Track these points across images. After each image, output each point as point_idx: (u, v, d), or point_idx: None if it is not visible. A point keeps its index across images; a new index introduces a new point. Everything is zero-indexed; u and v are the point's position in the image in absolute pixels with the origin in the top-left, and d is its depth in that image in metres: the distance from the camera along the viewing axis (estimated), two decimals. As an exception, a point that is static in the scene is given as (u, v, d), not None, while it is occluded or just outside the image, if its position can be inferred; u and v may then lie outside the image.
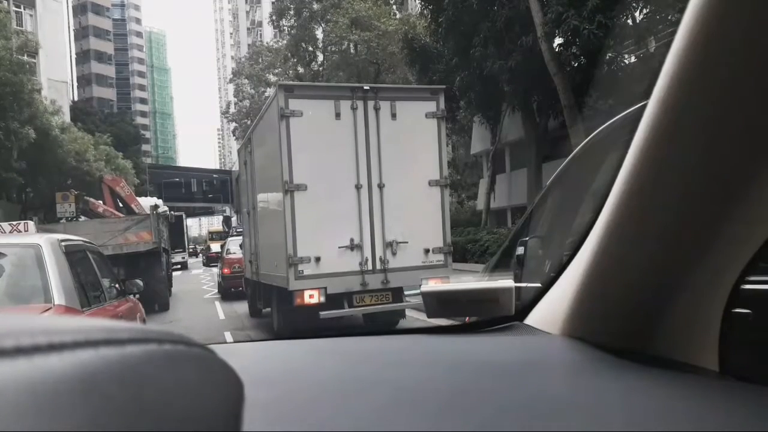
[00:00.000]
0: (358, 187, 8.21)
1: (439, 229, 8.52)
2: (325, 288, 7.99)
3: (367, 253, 8.22)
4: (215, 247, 38.24)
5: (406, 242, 8.32)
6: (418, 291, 8.45)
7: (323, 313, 7.99)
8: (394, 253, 8.30)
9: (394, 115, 8.39)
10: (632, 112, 1.71)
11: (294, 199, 7.92)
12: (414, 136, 8.47)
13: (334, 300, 8.09)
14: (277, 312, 9.30)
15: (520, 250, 3.01)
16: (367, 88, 8.56)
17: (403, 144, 8.40)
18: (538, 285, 1.07)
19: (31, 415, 0.23)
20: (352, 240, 8.15)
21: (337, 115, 8.18)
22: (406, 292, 8.70)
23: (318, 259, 7.97)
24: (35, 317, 0.31)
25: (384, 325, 9.02)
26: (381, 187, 8.28)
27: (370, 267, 8.23)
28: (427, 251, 8.42)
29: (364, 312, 8.57)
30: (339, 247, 8.08)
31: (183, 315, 14.17)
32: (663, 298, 0.75)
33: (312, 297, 7.97)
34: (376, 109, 8.34)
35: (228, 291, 16.91)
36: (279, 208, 8.30)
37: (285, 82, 8.91)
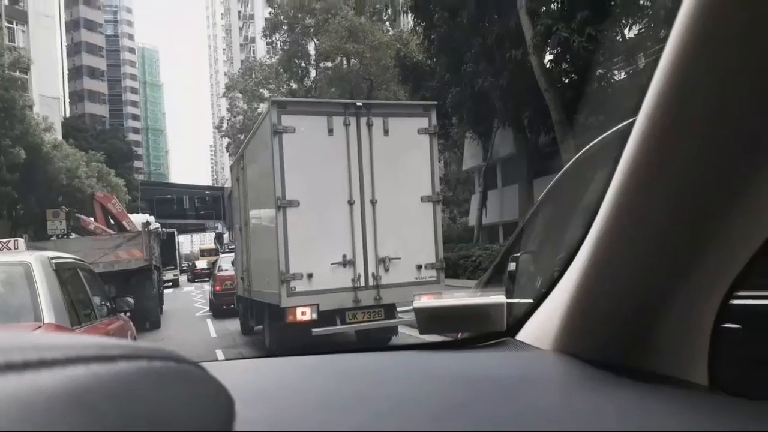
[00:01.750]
0: (350, 203, 8.19)
1: (431, 245, 8.49)
2: (318, 305, 7.94)
3: (360, 269, 8.18)
4: (200, 264, 40.89)
5: (399, 258, 8.29)
6: (410, 307, 8.49)
7: (316, 330, 7.93)
8: (386, 270, 8.26)
9: (386, 131, 8.39)
10: (622, 128, 1.72)
11: (286, 215, 7.88)
12: (406, 152, 8.48)
13: (326, 317, 8.03)
14: (269, 329, 9.24)
15: (511, 266, 3.01)
16: (360, 104, 8.60)
17: (396, 160, 8.40)
18: (530, 301, 1.08)
19: (23, 430, 0.23)
20: (344, 256, 8.11)
21: (330, 131, 8.17)
22: (399, 309, 8.63)
23: (310, 276, 7.91)
24: (27, 334, 0.31)
25: (377, 341, 8.94)
26: (374, 203, 8.26)
27: (362, 283, 8.18)
28: (419, 267, 8.39)
29: (357, 329, 8.50)
30: (331, 264, 8.04)
31: (174, 333, 14.07)
32: (653, 314, 0.75)
33: (304, 314, 7.91)
34: (369, 125, 8.34)
35: (220, 308, 16.67)
36: (271, 224, 8.28)
37: (278, 98, 8.86)
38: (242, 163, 10.97)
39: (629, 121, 0.70)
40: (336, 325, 8.15)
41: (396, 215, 8.30)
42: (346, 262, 8.11)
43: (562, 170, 2.68)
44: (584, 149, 2.41)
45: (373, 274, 8.23)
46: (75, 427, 0.25)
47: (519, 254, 3.03)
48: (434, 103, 9.27)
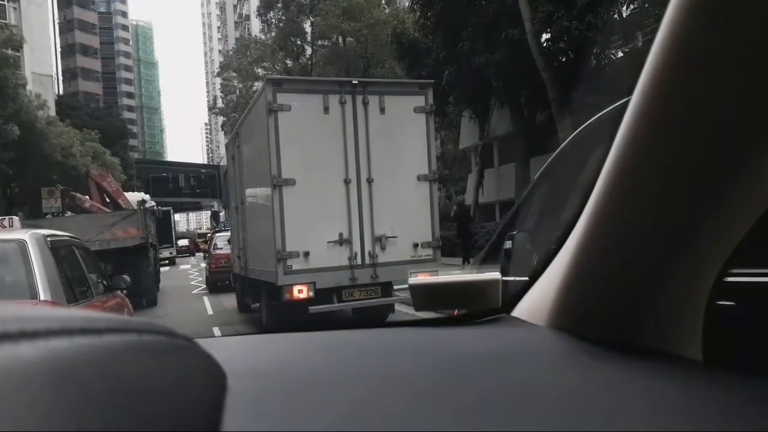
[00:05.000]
0: (347, 181, 8.21)
1: (428, 224, 8.56)
2: (314, 283, 8.01)
3: (356, 247, 8.24)
4: (181, 242, 48.15)
5: (395, 237, 8.35)
6: (407, 285, 8.67)
7: (312, 308, 8.02)
8: (383, 248, 8.33)
9: (382, 110, 8.38)
10: (618, 107, 1.71)
11: (282, 193, 7.93)
12: (403, 131, 8.48)
13: (323, 294, 8.10)
14: (265, 307, 9.30)
15: (507, 244, 3.02)
16: (356, 82, 8.62)
17: (392, 138, 8.41)
18: (525, 278, 1.08)
19: None
20: (341, 235, 8.17)
21: (326, 110, 8.16)
22: (395, 287, 8.69)
23: (307, 254, 7.98)
24: (9, 306, 0.30)
25: (373, 319, 8.96)
26: (370, 181, 8.30)
27: (359, 261, 8.24)
28: (416, 246, 8.45)
29: (354, 306, 8.58)
30: (328, 242, 8.10)
31: (171, 310, 14.12)
32: (647, 290, 0.76)
33: (301, 292, 7.99)
34: (365, 104, 8.33)
35: (215, 284, 17.54)
36: (267, 202, 8.30)
37: (273, 76, 8.85)
38: (237, 142, 10.94)
39: (625, 99, 0.69)
40: (333, 303, 8.23)
41: (392, 194, 8.35)
42: (342, 241, 8.18)
43: (558, 149, 2.68)
44: (580, 128, 2.41)
45: (369, 253, 8.29)
46: (56, 398, 0.24)
47: (515, 232, 3.04)
48: (431, 82, 9.23)
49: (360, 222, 8.27)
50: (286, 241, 7.92)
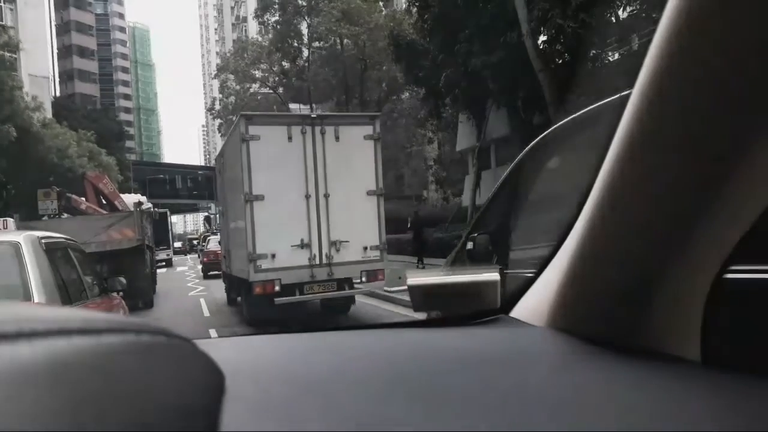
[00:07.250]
0: (307, 196, 9.78)
1: (375, 230, 10.16)
2: (280, 279, 9.59)
3: (315, 250, 9.84)
4: (177, 244, 52.30)
5: (348, 241, 9.91)
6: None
7: (278, 300, 9.56)
8: (337, 250, 9.94)
9: (337, 138, 9.99)
10: (599, 106, 1.72)
11: (253, 207, 9.51)
12: (354, 155, 10.06)
13: (287, 289, 9.69)
14: (244, 300, 10.94)
15: (469, 245, 3.09)
16: (314, 116, 10.35)
17: (345, 161, 9.98)
18: (523, 278, 1.08)
19: None
20: (302, 240, 9.73)
21: (290, 138, 9.78)
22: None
23: (274, 256, 9.57)
24: (8, 306, 0.30)
25: (338, 309, 10.97)
26: (326, 196, 9.87)
27: (317, 262, 9.85)
28: (365, 248, 10.07)
29: (313, 299, 10.25)
30: (291, 246, 9.67)
31: (167, 312, 14.08)
32: (646, 290, 0.75)
33: (269, 287, 9.58)
34: (322, 133, 9.93)
35: (207, 273, 23.21)
36: (241, 213, 9.87)
37: (246, 112, 10.79)
38: (222, 159, 12.64)
39: (608, 100, 0.69)
40: (295, 296, 9.79)
41: (345, 206, 9.91)
42: (303, 245, 9.76)
43: (529, 146, 2.70)
44: (540, 136, 2.43)
45: (326, 254, 9.91)
46: (53, 398, 0.24)
47: (476, 234, 3.07)
48: (377, 114, 11.32)
49: (318, 229, 9.85)
50: (257, 245, 9.48)
